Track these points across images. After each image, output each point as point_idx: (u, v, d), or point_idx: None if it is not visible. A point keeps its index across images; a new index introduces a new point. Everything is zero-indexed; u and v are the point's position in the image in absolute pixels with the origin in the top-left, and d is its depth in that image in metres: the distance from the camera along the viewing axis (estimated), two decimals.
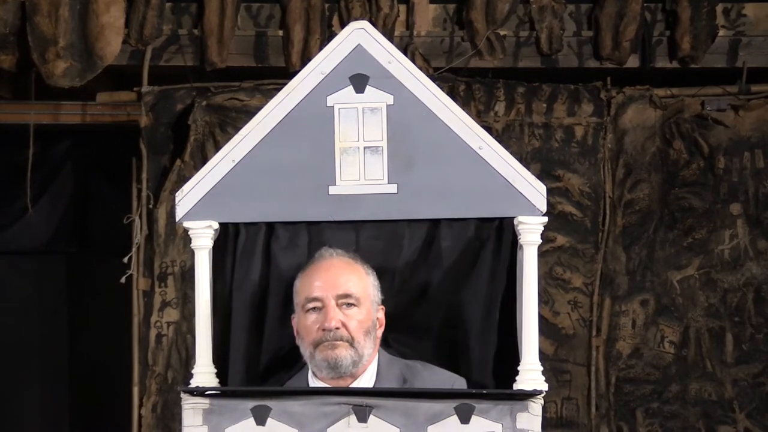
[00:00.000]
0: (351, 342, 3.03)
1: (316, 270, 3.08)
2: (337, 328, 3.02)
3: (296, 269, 3.16)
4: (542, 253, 5.11)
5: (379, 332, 3.13)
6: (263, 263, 3.18)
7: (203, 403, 2.92)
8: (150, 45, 5.66)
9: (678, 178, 5.71)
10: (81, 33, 5.47)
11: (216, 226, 3.10)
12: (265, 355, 3.22)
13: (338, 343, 3.02)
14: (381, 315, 3.14)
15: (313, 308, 3.06)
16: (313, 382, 3.10)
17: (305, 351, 3.07)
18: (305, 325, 3.07)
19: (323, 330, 3.03)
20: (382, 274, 3.17)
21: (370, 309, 3.09)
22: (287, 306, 3.18)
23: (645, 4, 5.73)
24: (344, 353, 3.03)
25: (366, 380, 3.09)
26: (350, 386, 3.06)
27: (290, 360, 3.21)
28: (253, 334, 3.20)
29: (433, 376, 3.11)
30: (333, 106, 3.09)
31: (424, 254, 3.17)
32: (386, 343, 3.21)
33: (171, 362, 5.64)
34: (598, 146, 5.71)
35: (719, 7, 5.78)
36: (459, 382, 3.11)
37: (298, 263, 3.17)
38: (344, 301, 3.05)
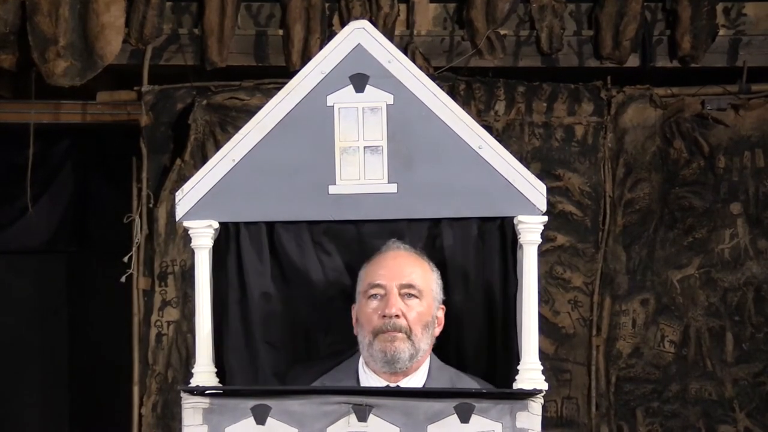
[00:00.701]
0: (408, 334, 3.03)
1: (382, 259, 3.09)
2: (397, 316, 3.02)
3: (303, 267, 3.18)
4: (542, 253, 5.12)
5: (437, 331, 3.13)
6: (273, 262, 3.19)
7: (203, 402, 2.92)
8: (150, 44, 5.66)
9: (678, 178, 5.71)
10: (81, 32, 5.46)
11: (216, 225, 3.10)
12: (294, 351, 3.23)
13: (397, 335, 3.02)
14: (441, 314, 3.13)
15: (375, 295, 3.06)
16: (364, 372, 3.10)
17: (363, 339, 3.07)
18: (366, 311, 3.07)
19: (384, 317, 3.02)
20: None
21: (431, 304, 3.09)
22: (301, 300, 3.20)
23: (645, 4, 5.72)
24: (402, 346, 3.02)
25: (418, 378, 3.09)
26: (399, 383, 3.05)
27: (322, 352, 3.24)
28: (283, 329, 3.21)
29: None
30: (333, 106, 3.09)
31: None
32: None
33: (171, 361, 5.63)
34: (599, 145, 5.70)
35: (719, 7, 5.78)
36: None
37: (303, 261, 3.18)
38: (407, 291, 3.06)
